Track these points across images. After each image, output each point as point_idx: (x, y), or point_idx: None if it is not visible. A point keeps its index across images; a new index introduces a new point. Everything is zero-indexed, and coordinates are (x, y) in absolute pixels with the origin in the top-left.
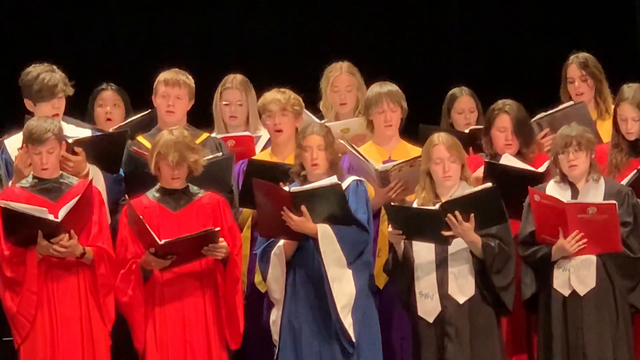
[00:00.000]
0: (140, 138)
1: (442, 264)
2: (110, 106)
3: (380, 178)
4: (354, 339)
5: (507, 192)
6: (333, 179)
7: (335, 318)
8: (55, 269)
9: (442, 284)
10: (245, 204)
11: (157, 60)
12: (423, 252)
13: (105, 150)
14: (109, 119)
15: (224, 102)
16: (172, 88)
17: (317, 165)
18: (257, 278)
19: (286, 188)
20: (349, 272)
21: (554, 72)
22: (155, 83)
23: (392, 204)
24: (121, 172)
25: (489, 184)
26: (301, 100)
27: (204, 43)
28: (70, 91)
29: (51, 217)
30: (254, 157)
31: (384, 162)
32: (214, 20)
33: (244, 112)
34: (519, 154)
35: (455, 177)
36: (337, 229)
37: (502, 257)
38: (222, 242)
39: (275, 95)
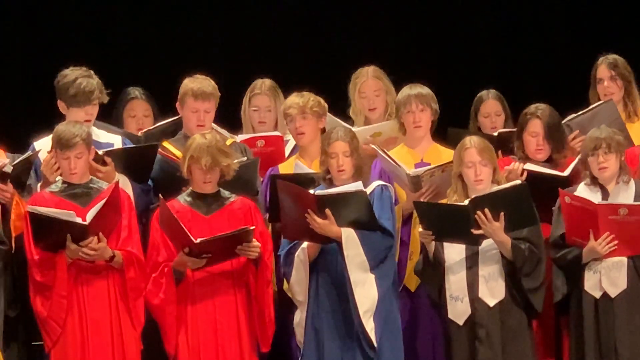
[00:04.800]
0: (166, 143)
1: (472, 266)
2: (141, 118)
3: (412, 183)
4: (375, 344)
5: (537, 196)
6: (358, 185)
7: (357, 322)
8: (84, 273)
9: (472, 286)
10: (275, 219)
11: (186, 63)
12: (453, 253)
13: (135, 161)
14: (140, 129)
15: (252, 108)
16: (202, 103)
17: (344, 171)
18: (285, 285)
19: (311, 191)
20: (372, 276)
21: (584, 74)
22: (182, 93)
23: (422, 200)
24: (150, 182)
25: (518, 181)
26: (322, 101)
27: (233, 45)
28: (105, 99)
29: (79, 220)
30: (275, 173)
31: (416, 165)
32: (243, 23)
33: (273, 118)
34: (550, 160)
35: (487, 181)
36: (361, 234)
37: (532, 260)
38: (256, 242)
39: (294, 99)
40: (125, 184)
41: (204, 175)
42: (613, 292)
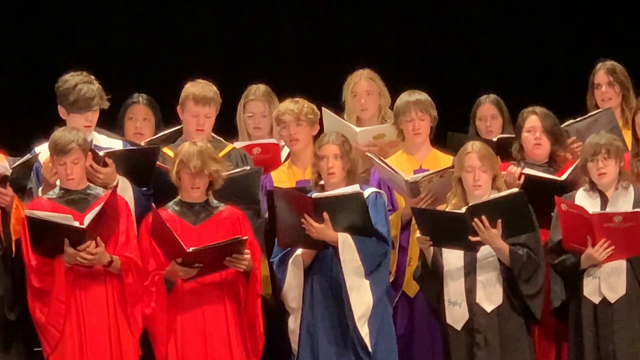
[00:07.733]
0: (166, 149)
1: (470, 271)
2: (140, 121)
3: (411, 189)
4: (370, 349)
5: (535, 201)
6: (355, 188)
7: (352, 327)
8: (82, 278)
9: (470, 292)
10: (274, 232)
11: (181, 69)
12: (452, 259)
13: (136, 164)
14: (138, 133)
15: (247, 114)
16: (203, 108)
17: (334, 174)
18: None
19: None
20: (367, 282)
21: (582, 80)
22: (183, 96)
23: (419, 206)
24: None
25: (515, 189)
26: (315, 108)
27: (227, 51)
28: (106, 105)
29: (76, 224)
30: (271, 189)
31: (415, 171)
32: (238, 29)
33: (268, 123)
34: (550, 160)
35: (485, 187)
36: (357, 239)
37: (530, 266)
38: (247, 255)
39: (289, 106)
40: (126, 187)
41: (192, 180)
42: (612, 298)
